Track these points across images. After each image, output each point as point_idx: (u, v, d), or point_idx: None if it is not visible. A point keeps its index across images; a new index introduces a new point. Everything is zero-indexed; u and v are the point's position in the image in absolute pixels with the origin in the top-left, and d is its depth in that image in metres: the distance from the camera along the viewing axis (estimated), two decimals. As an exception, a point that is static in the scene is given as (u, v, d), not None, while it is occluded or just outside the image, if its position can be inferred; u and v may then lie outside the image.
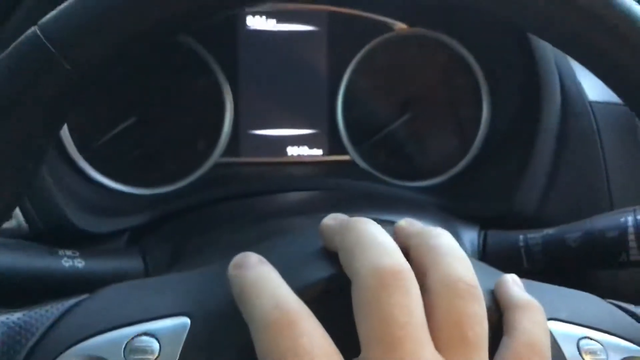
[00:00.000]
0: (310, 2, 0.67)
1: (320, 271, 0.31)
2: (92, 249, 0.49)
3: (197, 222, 0.55)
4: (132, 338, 0.30)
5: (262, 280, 0.29)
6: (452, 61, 0.67)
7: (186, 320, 0.31)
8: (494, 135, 0.65)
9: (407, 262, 0.29)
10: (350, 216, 0.32)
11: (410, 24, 0.67)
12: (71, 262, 0.45)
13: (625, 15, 0.31)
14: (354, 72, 0.67)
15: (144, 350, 0.30)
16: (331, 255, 0.31)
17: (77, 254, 0.46)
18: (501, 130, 0.65)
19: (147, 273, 0.49)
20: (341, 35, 0.67)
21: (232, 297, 0.29)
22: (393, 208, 0.56)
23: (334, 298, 0.30)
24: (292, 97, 0.67)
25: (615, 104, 0.59)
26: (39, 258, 0.45)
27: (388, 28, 0.67)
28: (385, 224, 0.32)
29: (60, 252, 0.46)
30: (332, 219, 0.33)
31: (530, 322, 0.31)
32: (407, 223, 0.34)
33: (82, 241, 0.51)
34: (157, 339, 0.30)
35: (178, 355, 0.30)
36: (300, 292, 0.29)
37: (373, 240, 0.30)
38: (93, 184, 0.61)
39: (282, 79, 0.67)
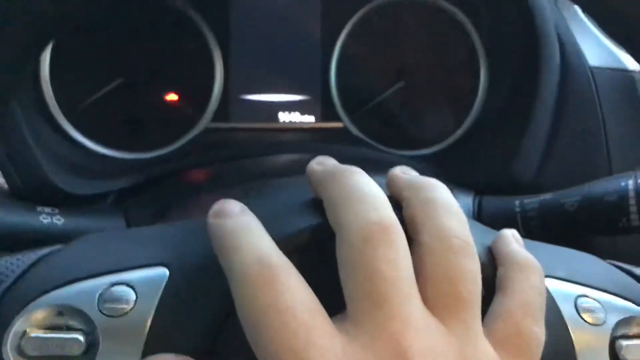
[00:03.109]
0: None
1: (304, 221, 0.29)
2: (73, 208, 0.47)
3: (182, 184, 0.54)
4: (107, 287, 0.29)
5: (243, 230, 0.27)
6: (449, 27, 0.66)
7: (164, 271, 0.29)
8: (491, 103, 0.64)
9: (395, 216, 0.28)
10: None
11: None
12: (50, 218, 0.43)
13: None
14: (348, 37, 0.65)
15: (119, 300, 0.28)
16: (317, 205, 0.30)
17: (57, 211, 0.45)
18: (499, 97, 0.63)
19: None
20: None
21: (211, 249, 0.28)
22: (385, 172, 0.54)
23: (318, 249, 0.28)
24: (284, 61, 0.65)
25: (616, 70, 0.57)
26: (15, 213, 0.43)
27: (384, -9, 0.65)
28: (380, 169, 0.31)
29: (39, 208, 0.44)
30: (320, 164, 0.31)
31: (526, 281, 0.29)
32: (402, 171, 0.32)
33: (64, 203, 0.50)
34: (133, 288, 0.29)
35: (155, 306, 0.28)
36: (283, 242, 0.27)
37: (360, 192, 0.28)
38: (77, 146, 0.60)
39: (274, 43, 0.65)
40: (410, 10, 0.66)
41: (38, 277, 0.30)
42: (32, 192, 0.49)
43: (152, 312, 0.28)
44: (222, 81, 0.64)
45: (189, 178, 0.55)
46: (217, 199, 0.29)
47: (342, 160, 0.32)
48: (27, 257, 0.31)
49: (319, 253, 0.28)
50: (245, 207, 0.29)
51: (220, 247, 0.27)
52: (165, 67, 0.63)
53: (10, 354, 0.28)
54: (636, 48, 0.31)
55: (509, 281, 0.29)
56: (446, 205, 0.29)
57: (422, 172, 0.54)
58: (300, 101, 0.66)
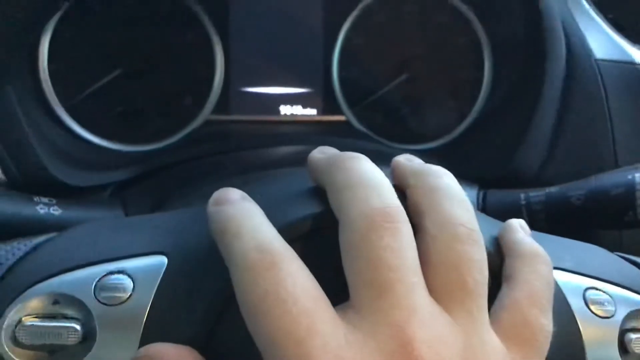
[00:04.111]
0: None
1: (307, 208, 0.28)
2: (70, 198, 0.46)
3: (181, 175, 0.53)
4: (104, 276, 0.28)
5: (244, 217, 0.27)
6: (453, 20, 0.65)
7: (162, 259, 0.28)
8: (496, 96, 0.63)
9: (399, 203, 0.27)
10: None
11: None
12: (47, 209, 0.43)
13: None
14: (350, 29, 0.65)
15: (116, 289, 0.28)
16: (319, 193, 0.29)
17: (54, 201, 0.44)
18: (503, 90, 0.62)
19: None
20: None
21: (211, 236, 0.27)
22: (388, 165, 0.53)
23: (321, 237, 0.27)
24: (286, 54, 0.65)
25: (623, 62, 0.56)
26: (11, 203, 0.42)
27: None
28: (383, 162, 0.30)
29: (36, 198, 0.43)
30: (322, 153, 0.31)
31: (534, 272, 0.29)
32: (406, 159, 0.31)
33: (62, 194, 0.49)
34: (130, 277, 0.28)
35: (153, 295, 0.27)
36: (285, 230, 0.27)
37: (364, 179, 0.28)
38: (75, 137, 0.59)
39: (276, 35, 0.64)
40: (412, 2, 0.65)
41: (33, 265, 0.29)
42: (29, 183, 0.48)
43: (150, 301, 0.27)
44: (223, 73, 0.63)
45: (188, 170, 0.54)
46: (217, 189, 0.29)
47: (344, 149, 0.31)
48: (22, 246, 0.30)
49: (321, 241, 0.28)
50: (246, 195, 0.28)
51: (220, 233, 0.27)
52: (166, 58, 0.62)
53: (4, 343, 0.27)
54: None
55: (516, 271, 0.29)
56: (452, 193, 0.29)
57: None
58: (301, 94, 0.65)
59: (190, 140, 0.61)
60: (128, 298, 0.27)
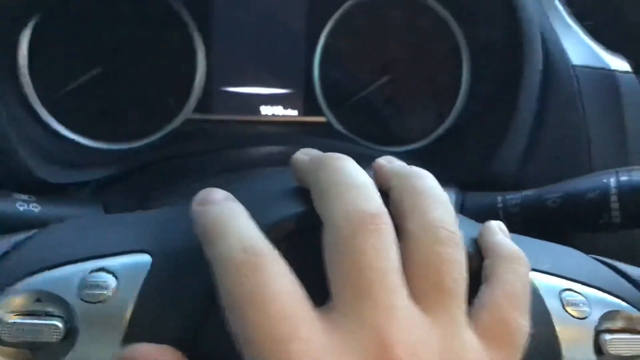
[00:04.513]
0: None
1: (291, 209, 0.29)
2: (51, 196, 0.46)
3: (162, 174, 0.53)
4: (87, 273, 0.28)
5: (228, 217, 0.27)
6: (433, 23, 0.66)
7: (146, 258, 0.28)
8: (474, 99, 0.64)
9: (383, 206, 0.27)
10: None
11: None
12: (26, 205, 0.42)
13: None
14: (332, 31, 0.65)
15: (99, 286, 0.28)
16: (303, 193, 0.29)
17: (33, 198, 0.44)
18: (482, 94, 0.63)
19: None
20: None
21: (195, 235, 0.27)
22: (369, 167, 0.54)
23: (304, 238, 0.28)
24: (267, 54, 0.65)
25: (598, 69, 0.57)
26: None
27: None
28: (364, 163, 0.30)
29: (15, 195, 0.43)
30: (305, 154, 0.31)
31: (512, 272, 0.29)
32: (387, 161, 0.32)
33: (42, 192, 0.48)
34: (114, 275, 0.28)
35: (136, 294, 0.27)
36: (269, 230, 0.27)
37: (349, 181, 0.28)
38: (55, 135, 0.58)
39: (258, 35, 0.65)
40: (393, 6, 0.66)
41: (14, 263, 0.29)
42: (8, 180, 0.48)
43: (134, 299, 0.27)
44: (205, 72, 0.63)
45: (169, 169, 0.54)
46: (199, 188, 0.29)
47: (325, 151, 0.31)
48: (2, 243, 0.30)
49: (304, 242, 0.28)
50: (230, 195, 0.29)
51: (204, 234, 0.27)
52: (147, 56, 0.62)
53: None
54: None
55: (495, 272, 0.29)
56: (434, 195, 0.29)
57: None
58: (283, 95, 0.65)
59: (171, 138, 0.61)
60: (111, 296, 0.27)
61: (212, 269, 0.26)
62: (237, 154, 0.55)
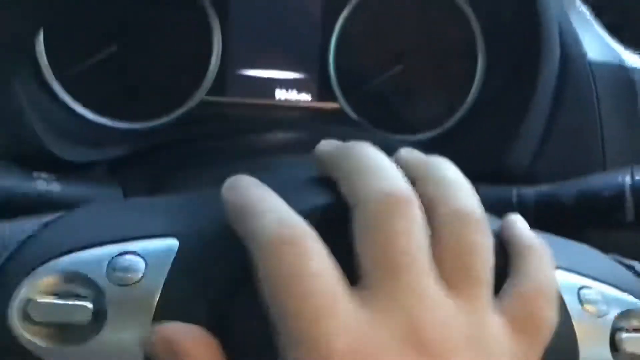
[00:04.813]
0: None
1: (319, 198, 0.29)
2: (69, 175, 0.46)
3: (179, 157, 0.53)
4: (116, 256, 0.28)
5: (262, 199, 0.27)
6: (449, 12, 0.65)
7: (174, 242, 0.29)
8: (488, 90, 0.64)
9: (411, 188, 0.28)
10: None
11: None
12: (46, 184, 0.43)
13: None
14: (348, 17, 0.65)
15: (129, 269, 0.28)
16: (329, 183, 0.30)
17: (54, 177, 0.44)
18: (496, 85, 0.63)
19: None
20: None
21: (224, 221, 0.27)
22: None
23: (333, 226, 0.28)
24: (283, 38, 0.65)
25: (615, 65, 0.57)
26: (10, 178, 0.42)
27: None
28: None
29: (35, 174, 0.43)
30: (328, 145, 0.31)
31: (540, 265, 0.30)
32: (408, 152, 0.32)
33: (58, 170, 0.49)
34: (143, 258, 0.28)
35: (165, 277, 0.28)
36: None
37: (376, 165, 0.28)
38: (70, 112, 0.58)
39: (274, 19, 0.64)
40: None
41: (44, 243, 0.29)
42: (25, 158, 0.48)
43: (162, 282, 0.28)
44: (220, 54, 0.63)
45: (185, 151, 0.54)
46: (217, 174, 0.29)
47: (339, 140, 0.31)
48: (31, 223, 0.30)
49: (334, 229, 0.28)
50: (259, 181, 0.29)
51: (238, 215, 0.27)
52: (162, 36, 0.62)
53: (16, 319, 0.27)
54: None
55: (522, 263, 0.30)
56: (458, 183, 0.30)
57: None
58: (297, 79, 0.65)
59: (185, 120, 0.61)
60: (140, 279, 0.28)
61: (248, 244, 0.26)
62: (251, 139, 0.55)
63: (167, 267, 0.28)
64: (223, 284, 0.27)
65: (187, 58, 0.63)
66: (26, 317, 0.28)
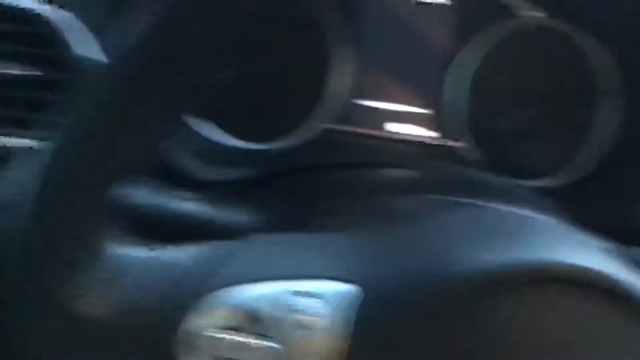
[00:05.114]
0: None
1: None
2: (203, 195, 0.45)
3: (309, 186, 0.52)
4: (297, 296, 0.26)
5: None
6: (583, 59, 0.62)
7: (357, 289, 0.27)
8: (625, 141, 0.60)
9: None
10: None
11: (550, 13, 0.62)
12: (186, 203, 0.42)
13: None
14: (483, 58, 0.63)
15: (308, 311, 0.26)
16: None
17: (193, 196, 0.43)
18: (635, 135, 0.59)
19: (262, 229, 0.46)
20: (468, 13, 0.62)
21: (407, 265, 0.26)
22: (508, 200, 0.51)
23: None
24: (408, 72, 0.63)
25: None
26: (152, 195, 0.41)
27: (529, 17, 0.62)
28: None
29: (173, 192, 0.42)
30: None
31: None
32: None
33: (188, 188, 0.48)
34: (325, 301, 0.26)
35: (351, 326, 0.26)
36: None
37: None
38: (197, 132, 0.58)
39: (400, 53, 0.63)
40: (543, 36, 0.63)
41: (217, 273, 0.28)
42: (162, 177, 0.47)
43: (349, 332, 0.26)
44: (342, 83, 0.62)
45: (311, 178, 0.53)
46: (354, 207, 0.28)
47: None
48: (199, 250, 0.29)
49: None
50: None
51: None
52: (285, 62, 0.61)
53: (182, 348, 0.26)
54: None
55: None
56: None
57: (545, 207, 0.51)
58: (420, 115, 0.63)
59: (306, 146, 0.60)
60: (324, 325, 0.26)
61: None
62: (378, 175, 0.54)
63: (352, 315, 0.26)
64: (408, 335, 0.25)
65: (308, 85, 0.62)
66: (193, 348, 0.26)
